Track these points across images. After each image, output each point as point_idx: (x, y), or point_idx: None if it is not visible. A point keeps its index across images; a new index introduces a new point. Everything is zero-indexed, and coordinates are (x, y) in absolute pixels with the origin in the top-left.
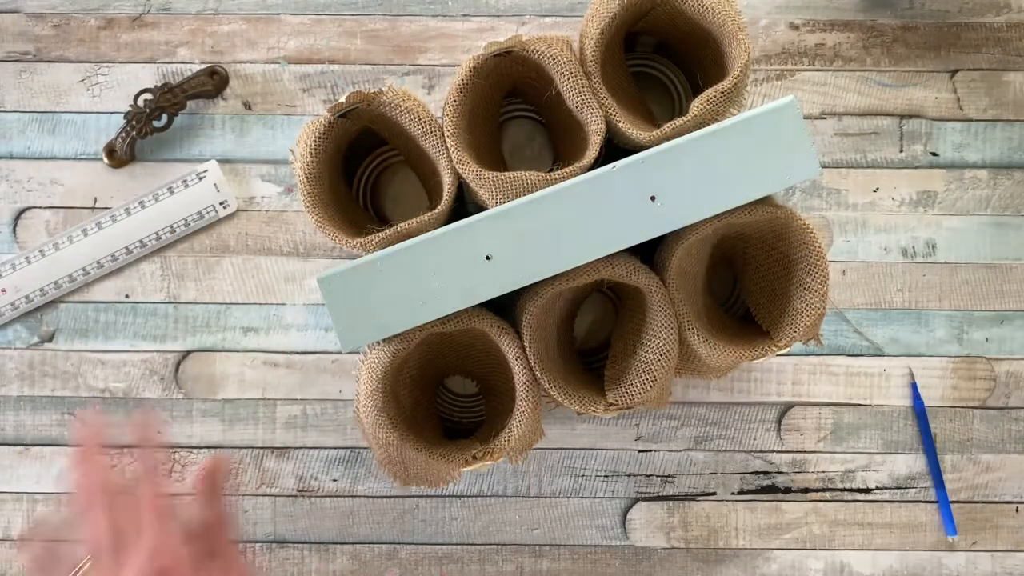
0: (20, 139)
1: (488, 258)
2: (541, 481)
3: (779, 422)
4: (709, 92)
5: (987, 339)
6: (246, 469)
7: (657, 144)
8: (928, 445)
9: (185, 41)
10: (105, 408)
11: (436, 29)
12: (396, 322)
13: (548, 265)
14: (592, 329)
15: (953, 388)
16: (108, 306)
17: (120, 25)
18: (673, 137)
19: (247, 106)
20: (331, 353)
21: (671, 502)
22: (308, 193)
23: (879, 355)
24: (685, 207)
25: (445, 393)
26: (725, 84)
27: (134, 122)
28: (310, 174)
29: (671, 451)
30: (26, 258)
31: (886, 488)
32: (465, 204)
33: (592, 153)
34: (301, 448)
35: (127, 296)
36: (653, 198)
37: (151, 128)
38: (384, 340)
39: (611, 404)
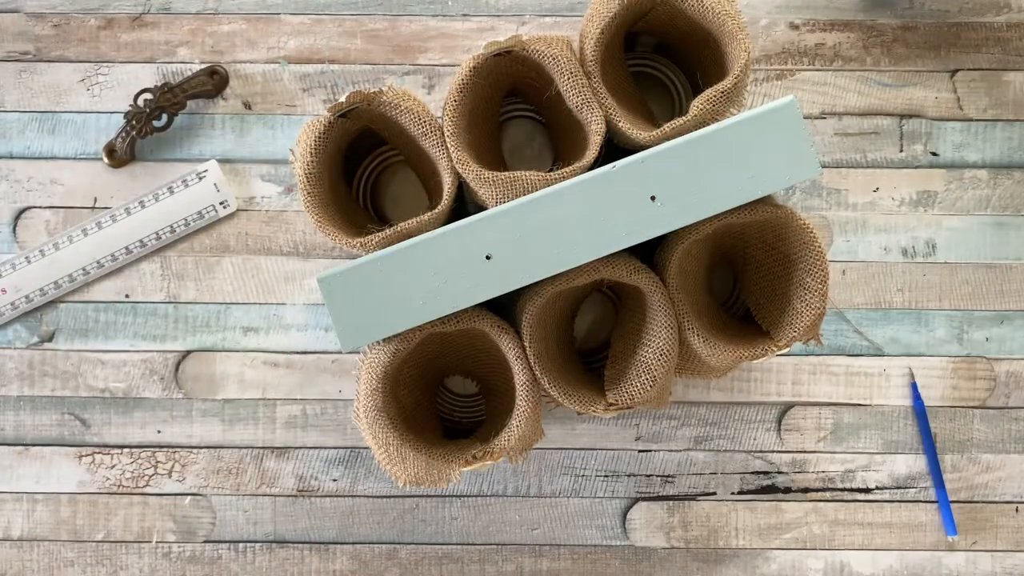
0: (20, 139)
1: (488, 258)
2: (541, 481)
3: (779, 422)
4: (709, 92)
5: (987, 339)
6: (246, 469)
7: (657, 144)
8: (928, 445)
9: (185, 41)
10: (104, 408)
11: (436, 29)
12: (396, 322)
13: (548, 265)
14: (592, 329)
15: (953, 388)
16: (108, 306)
17: (120, 25)
18: (673, 137)
19: (247, 106)
20: (331, 353)
21: (671, 502)
22: (308, 193)
23: (879, 355)
24: (685, 207)
25: (445, 393)
26: (725, 84)
27: (134, 122)
28: (310, 174)
29: (671, 451)
30: (26, 258)
31: (886, 488)
32: (465, 204)
33: (592, 153)
34: (301, 448)
35: (127, 296)
36: (653, 198)
37: (151, 128)
38: (384, 340)
39: (611, 404)
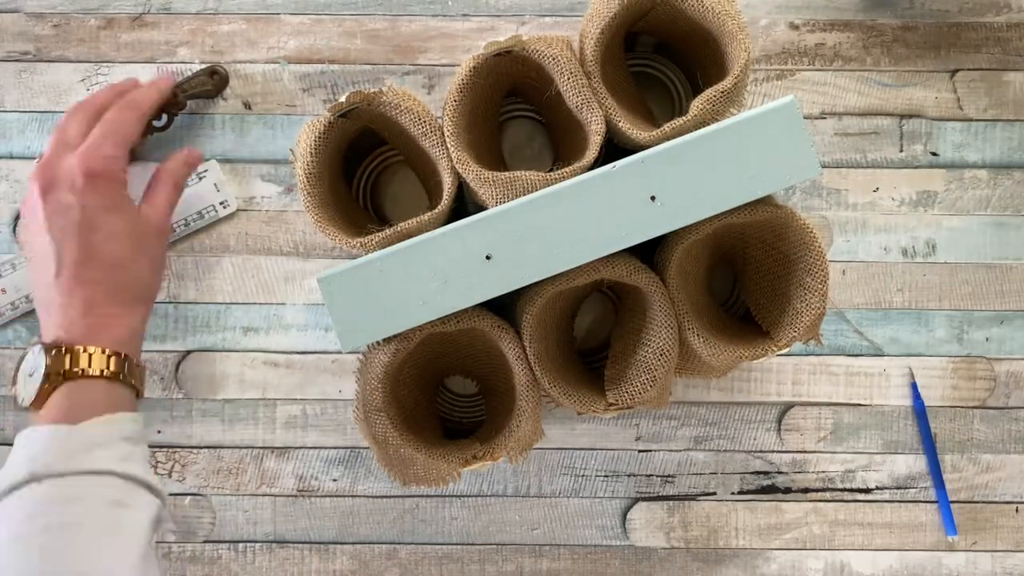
0: (20, 139)
1: (488, 258)
2: (541, 481)
3: (779, 422)
4: (709, 92)
5: (987, 339)
6: (246, 469)
7: (657, 144)
8: (928, 445)
9: (185, 41)
10: None
11: (436, 29)
12: (396, 322)
13: (548, 265)
14: (592, 329)
15: (953, 388)
16: None
17: (120, 25)
18: (673, 137)
19: (247, 106)
20: (331, 353)
21: (671, 502)
22: (308, 193)
23: (879, 355)
24: (685, 207)
25: (445, 393)
26: (725, 84)
27: None
28: (310, 174)
29: (671, 451)
30: (26, 258)
31: (886, 488)
32: (465, 204)
33: (592, 153)
34: (301, 448)
35: None
36: (653, 198)
37: (151, 128)
38: (384, 340)
39: (611, 404)
